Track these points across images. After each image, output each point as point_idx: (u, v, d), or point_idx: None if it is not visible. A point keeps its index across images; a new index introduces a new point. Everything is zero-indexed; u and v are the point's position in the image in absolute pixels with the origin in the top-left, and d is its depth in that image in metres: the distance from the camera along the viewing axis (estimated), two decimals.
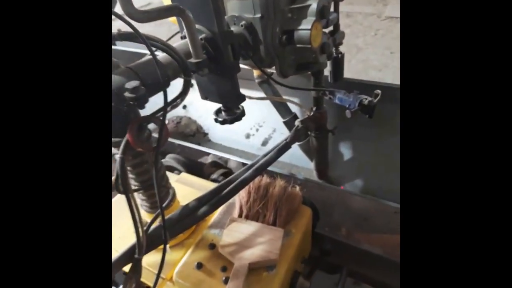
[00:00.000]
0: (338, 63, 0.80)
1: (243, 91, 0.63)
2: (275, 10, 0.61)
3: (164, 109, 0.48)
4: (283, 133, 0.95)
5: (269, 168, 0.93)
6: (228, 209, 0.71)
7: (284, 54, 0.67)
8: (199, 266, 0.61)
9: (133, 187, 0.61)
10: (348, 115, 0.69)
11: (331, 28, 0.74)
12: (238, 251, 0.60)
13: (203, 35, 0.55)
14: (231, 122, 0.68)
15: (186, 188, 0.85)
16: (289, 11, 0.62)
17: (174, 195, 0.70)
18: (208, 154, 1.02)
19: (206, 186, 0.86)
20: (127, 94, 0.43)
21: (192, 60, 0.52)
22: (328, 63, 0.81)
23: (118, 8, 0.47)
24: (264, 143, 1.08)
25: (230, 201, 0.71)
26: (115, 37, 0.43)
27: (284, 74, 0.70)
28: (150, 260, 0.65)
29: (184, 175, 0.90)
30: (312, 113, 0.77)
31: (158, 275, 0.53)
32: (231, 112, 0.68)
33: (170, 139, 1.18)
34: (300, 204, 0.71)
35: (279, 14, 0.62)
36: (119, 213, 0.67)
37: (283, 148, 0.74)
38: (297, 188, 0.73)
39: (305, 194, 0.75)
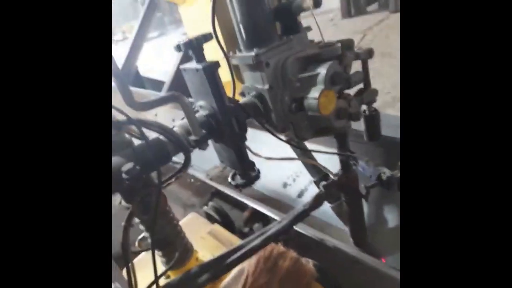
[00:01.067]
0: (371, 122, 0.72)
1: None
2: (283, 80, 0.61)
3: (158, 187, 0.52)
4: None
5: (296, 228, 0.88)
6: (238, 275, 0.70)
7: (297, 119, 0.65)
8: None
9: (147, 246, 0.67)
10: (363, 190, 0.60)
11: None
12: None
13: (206, 112, 0.59)
14: (243, 186, 0.68)
15: (215, 243, 0.87)
16: (298, 81, 0.60)
17: (191, 251, 0.73)
18: (245, 204, 1.04)
19: (233, 242, 0.86)
20: (123, 175, 0.49)
21: (192, 137, 0.56)
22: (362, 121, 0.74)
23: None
24: (300, 195, 1.03)
25: (242, 267, 0.69)
26: (115, 124, 0.50)
27: (301, 137, 0.68)
28: None
29: (216, 228, 0.93)
30: (337, 178, 0.71)
31: None
32: (245, 176, 0.68)
33: (213, 184, 1.25)
34: (311, 283, 0.64)
35: (288, 84, 0.61)
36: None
37: (300, 215, 0.69)
38: (310, 263, 0.66)
39: (332, 265, 0.67)
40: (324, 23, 5.39)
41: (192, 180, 1.43)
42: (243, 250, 0.64)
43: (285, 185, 1.07)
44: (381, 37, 4.14)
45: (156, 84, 2.39)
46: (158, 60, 5.40)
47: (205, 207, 1.04)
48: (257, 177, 0.68)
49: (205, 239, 0.88)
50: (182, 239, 0.71)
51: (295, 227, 0.88)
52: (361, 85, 0.69)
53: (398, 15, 4.64)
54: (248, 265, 0.68)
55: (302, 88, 0.61)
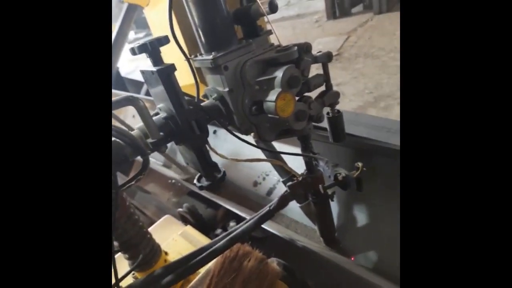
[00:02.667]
0: (334, 123, 0.74)
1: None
2: (243, 83, 0.62)
3: (116, 190, 0.52)
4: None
5: (266, 227, 0.89)
6: (205, 276, 0.70)
7: (259, 122, 0.66)
8: None
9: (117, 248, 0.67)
10: (321, 189, 0.62)
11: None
12: None
13: (164, 115, 0.59)
14: (208, 188, 0.69)
15: (185, 245, 0.87)
16: (256, 84, 0.62)
17: (159, 252, 0.73)
18: (218, 205, 1.05)
19: (204, 243, 0.87)
20: None
21: (149, 140, 0.56)
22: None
23: None
24: (269, 193, 1.05)
25: (208, 267, 0.70)
26: None
27: (264, 139, 0.69)
28: None
29: (188, 229, 0.94)
30: (302, 178, 0.72)
31: None
32: (210, 177, 0.69)
33: (187, 185, 1.25)
34: (275, 281, 0.65)
35: (247, 87, 0.62)
36: None
37: (266, 216, 0.70)
38: (275, 262, 0.67)
39: (301, 265, 0.68)
40: (310, 25, 5.44)
41: (173, 181, 1.44)
42: (209, 251, 0.65)
43: (255, 183, 1.08)
44: (365, 38, 4.21)
45: (139, 86, 2.37)
46: (142, 61, 5.34)
47: (179, 209, 1.04)
48: (222, 178, 0.69)
49: (176, 241, 0.88)
50: (148, 241, 0.71)
51: (266, 227, 0.90)
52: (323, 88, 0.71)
53: (381, 16, 4.73)
54: (214, 265, 0.68)
55: (261, 91, 0.62)
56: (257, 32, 0.65)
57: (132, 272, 0.71)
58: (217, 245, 0.66)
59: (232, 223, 1.05)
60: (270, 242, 0.87)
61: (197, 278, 0.72)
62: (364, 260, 0.82)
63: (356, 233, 0.86)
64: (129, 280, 0.70)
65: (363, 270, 0.78)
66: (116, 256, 0.58)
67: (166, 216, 1.05)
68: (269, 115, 0.62)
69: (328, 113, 0.74)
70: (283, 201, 0.71)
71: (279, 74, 0.59)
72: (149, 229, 0.73)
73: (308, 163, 0.73)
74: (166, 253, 0.78)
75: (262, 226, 0.89)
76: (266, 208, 0.71)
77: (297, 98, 0.65)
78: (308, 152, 0.70)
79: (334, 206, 0.90)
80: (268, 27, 0.68)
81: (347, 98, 2.96)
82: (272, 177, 1.06)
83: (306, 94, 0.68)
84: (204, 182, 0.69)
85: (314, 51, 0.66)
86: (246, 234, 0.68)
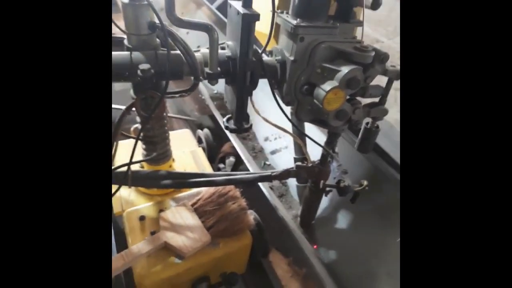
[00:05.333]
0: (367, 136, 0.76)
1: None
2: (309, 61, 0.63)
3: (162, 95, 0.60)
4: (291, 154, 0.99)
5: (261, 185, 0.98)
6: (194, 195, 0.81)
7: (303, 101, 0.69)
8: (142, 218, 0.74)
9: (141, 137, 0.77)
10: (320, 184, 0.67)
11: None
12: (168, 228, 0.70)
13: (229, 54, 0.63)
14: (232, 131, 0.75)
15: (191, 161, 0.98)
16: (320, 67, 0.63)
17: (169, 157, 0.84)
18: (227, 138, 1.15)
19: (206, 168, 0.97)
20: (138, 72, 0.56)
21: (207, 69, 0.61)
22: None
23: None
24: (273, 152, 1.14)
25: (201, 189, 0.81)
26: (150, 24, 0.56)
27: (299, 117, 0.72)
28: (126, 196, 0.82)
29: (199, 151, 1.04)
30: (311, 165, 0.77)
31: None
32: (238, 124, 0.75)
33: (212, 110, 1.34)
34: (245, 230, 0.75)
35: (310, 66, 0.64)
36: None
37: (264, 178, 0.77)
38: (252, 216, 0.77)
39: (271, 230, 0.77)
40: None
41: (203, 97, 1.51)
42: (207, 179, 0.74)
43: (266, 138, 1.17)
44: None
45: None
46: None
47: (199, 130, 1.13)
48: (247, 129, 0.75)
49: (185, 155, 0.99)
50: (165, 145, 0.81)
51: (260, 184, 0.99)
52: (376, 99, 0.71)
53: None
54: (205, 191, 0.79)
55: (320, 76, 0.64)
56: (348, 17, 0.64)
57: (141, 162, 0.82)
58: (216, 178, 0.75)
59: (231, 158, 1.16)
60: (257, 197, 0.96)
61: (187, 193, 0.84)
62: (324, 255, 0.90)
63: (331, 231, 0.94)
64: (136, 167, 0.82)
65: (317, 260, 0.87)
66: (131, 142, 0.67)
67: (186, 130, 1.15)
68: (315, 100, 0.65)
69: (367, 123, 0.76)
70: (286, 174, 0.77)
71: (344, 70, 0.60)
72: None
73: (324, 157, 0.77)
74: (173, 160, 0.89)
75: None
76: (268, 172, 0.78)
77: (347, 97, 0.67)
78: (330, 148, 0.74)
79: (325, 200, 0.97)
80: (360, 18, 0.67)
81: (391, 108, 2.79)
82: (282, 141, 1.14)
83: (358, 98, 0.69)
84: (231, 125, 0.75)
85: (389, 63, 0.66)
86: (242, 183, 0.76)
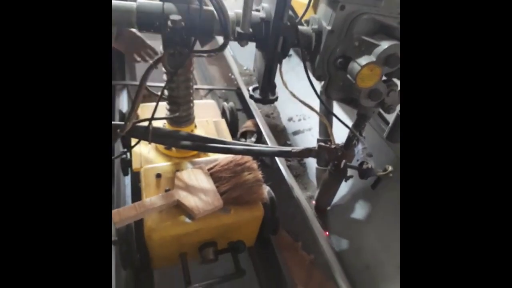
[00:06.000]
0: (398, 123, 0.71)
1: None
2: (347, 32, 0.59)
3: (189, 51, 0.59)
4: (314, 137, 0.96)
5: (279, 162, 0.96)
6: (211, 161, 0.81)
7: (335, 76, 0.65)
8: (158, 176, 0.76)
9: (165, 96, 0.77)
10: (341, 164, 0.63)
11: None
12: (182, 187, 0.71)
13: (263, 15, 0.60)
14: (257, 101, 0.74)
15: (212, 131, 0.98)
16: (358, 40, 0.59)
17: (191, 121, 0.84)
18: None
19: (225, 138, 0.97)
20: (168, 22, 0.55)
21: (238, 29, 0.59)
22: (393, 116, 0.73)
23: None
24: (295, 133, 1.12)
25: (219, 156, 0.81)
26: None
27: (328, 94, 0.69)
28: (146, 154, 0.84)
29: (222, 122, 1.03)
30: (333, 146, 0.74)
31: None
32: (263, 94, 0.73)
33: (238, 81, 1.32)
34: (257, 202, 0.74)
35: (348, 38, 0.60)
36: None
37: (284, 153, 0.76)
38: (266, 190, 0.76)
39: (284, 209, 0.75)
40: None
41: (232, 76, 1.50)
42: (227, 146, 0.74)
43: (290, 118, 1.14)
44: None
45: None
46: None
47: (224, 103, 1.13)
48: (273, 101, 0.73)
49: (207, 124, 0.99)
50: (188, 108, 0.81)
51: (278, 161, 0.97)
52: None
53: None
54: (222, 159, 0.78)
55: (357, 50, 0.60)
56: None
57: (164, 121, 0.83)
58: (234, 146, 0.74)
59: (253, 139, 1.15)
60: (273, 174, 0.95)
61: (205, 158, 0.84)
62: (335, 243, 0.88)
63: (346, 220, 0.91)
64: (159, 124, 0.83)
65: (328, 247, 0.84)
66: (161, 103, 0.67)
67: (212, 101, 1.15)
68: (348, 75, 0.61)
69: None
70: (306, 152, 0.75)
71: (384, 45, 0.55)
72: (194, 101, 0.82)
73: (349, 139, 0.74)
74: (195, 126, 0.89)
75: (276, 159, 0.97)
76: (289, 149, 0.75)
77: (384, 78, 0.62)
78: (357, 130, 0.70)
79: (344, 187, 0.93)
80: None
81: None
82: (306, 123, 1.11)
83: (394, 79, 0.64)
84: (257, 94, 0.74)
85: None
86: (261, 155, 0.75)
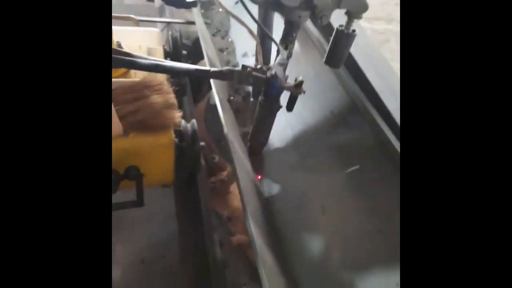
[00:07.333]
0: (337, 42, 0.59)
1: None
2: None
3: None
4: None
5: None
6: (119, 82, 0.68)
7: None
8: None
9: None
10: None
11: None
12: None
13: None
14: (169, 3, 0.61)
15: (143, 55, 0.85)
16: None
17: None
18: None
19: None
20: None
21: None
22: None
23: None
24: (244, 55, 1.04)
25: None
26: None
27: None
28: None
29: (157, 49, 0.90)
30: (259, 66, 0.61)
31: None
32: None
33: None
34: (166, 128, 0.63)
35: None
36: None
37: (200, 72, 0.63)
38: (179, 114, 0.65)
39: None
40: None
41: None
42: (131, 59, 0.61)
43: (244, 54, 1.03)
44: None
45: None
46: None
47: (170, 32, 0.99)
48: (191, 5, 0.60)
49: (139, 49, 0.86)
50: None
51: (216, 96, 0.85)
52: None
53: None
54: (130, 80, 0.67)
55: None
56: None
57: None
58: (141, 60, 0.61)
59: None
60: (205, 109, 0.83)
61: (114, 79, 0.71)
62: (265, 188, 0.79)
63: (281, 163, 0.81)
64: None
65: (255, 189, 0.75)
66: None
67: (156, 29, 1.01)
68: None
69: (340, 25, 0.58)
70: (227, 74, 0.62)
71: None
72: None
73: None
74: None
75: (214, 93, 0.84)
76: (206, 69, 0.63)
77: None
78: (284, 43, 0.58)
79: (282, 125, 0.82)
80: None
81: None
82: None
83: None
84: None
85: None
86: (172, 73, 0.63)
